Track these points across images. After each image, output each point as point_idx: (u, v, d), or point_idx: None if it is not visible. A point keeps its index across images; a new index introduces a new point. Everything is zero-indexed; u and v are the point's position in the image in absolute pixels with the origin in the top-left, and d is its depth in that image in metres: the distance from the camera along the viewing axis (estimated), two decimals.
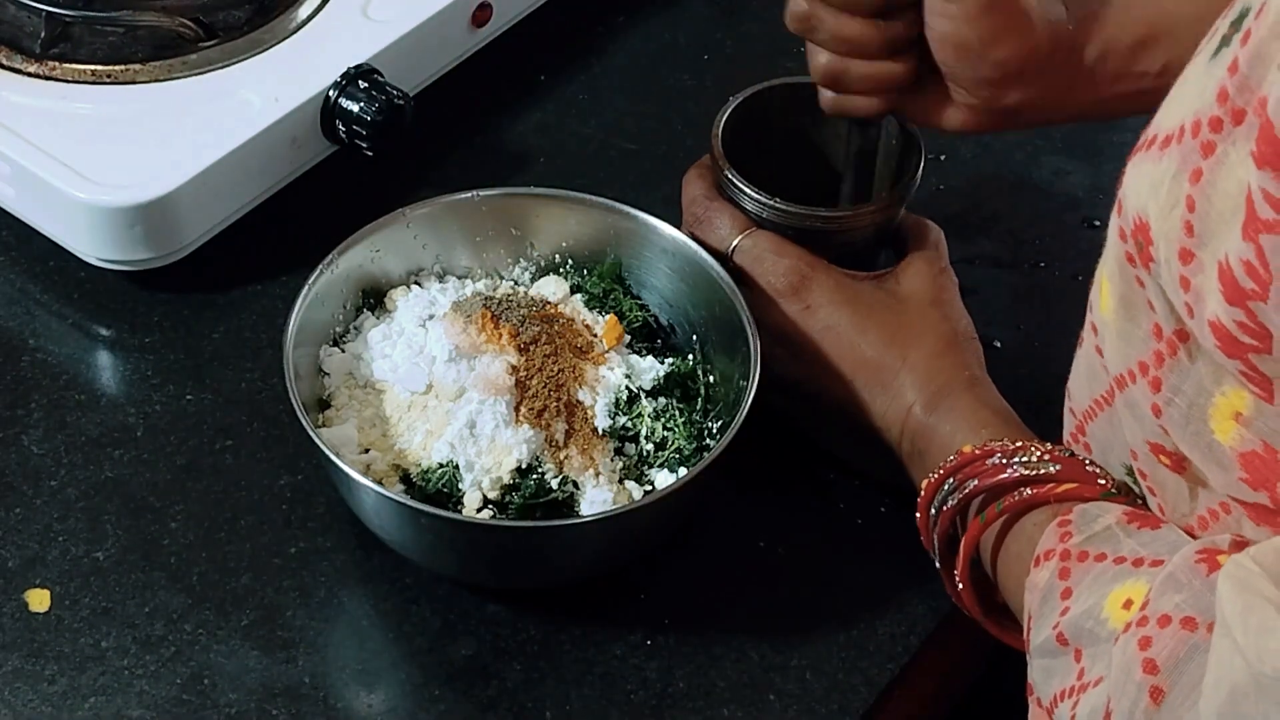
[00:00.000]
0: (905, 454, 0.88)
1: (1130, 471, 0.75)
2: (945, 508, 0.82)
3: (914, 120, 0.93)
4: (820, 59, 0.89)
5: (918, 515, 0.84)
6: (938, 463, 0.84)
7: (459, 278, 0.97)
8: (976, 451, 0.82)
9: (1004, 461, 0.80)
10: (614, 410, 0.90)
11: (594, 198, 0.96)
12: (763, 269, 0.92)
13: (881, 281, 0.93)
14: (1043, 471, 0.79)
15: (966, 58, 0.87)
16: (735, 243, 0.94)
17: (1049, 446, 0.81)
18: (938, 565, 0.85)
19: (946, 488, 0.82)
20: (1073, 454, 0.80)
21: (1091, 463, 0.78)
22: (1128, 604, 0.68)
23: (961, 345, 0.91)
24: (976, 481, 0.81)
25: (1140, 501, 0.75)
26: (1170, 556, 0.69)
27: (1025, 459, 0.80)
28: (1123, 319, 0.69)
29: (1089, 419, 0.77)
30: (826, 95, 0.91)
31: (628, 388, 0.91)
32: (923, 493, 0.84)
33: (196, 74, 1.05)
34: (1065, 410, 0.81)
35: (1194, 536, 0.70)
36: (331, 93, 1.02)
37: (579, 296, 0.96)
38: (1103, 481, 0.77)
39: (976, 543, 0.81)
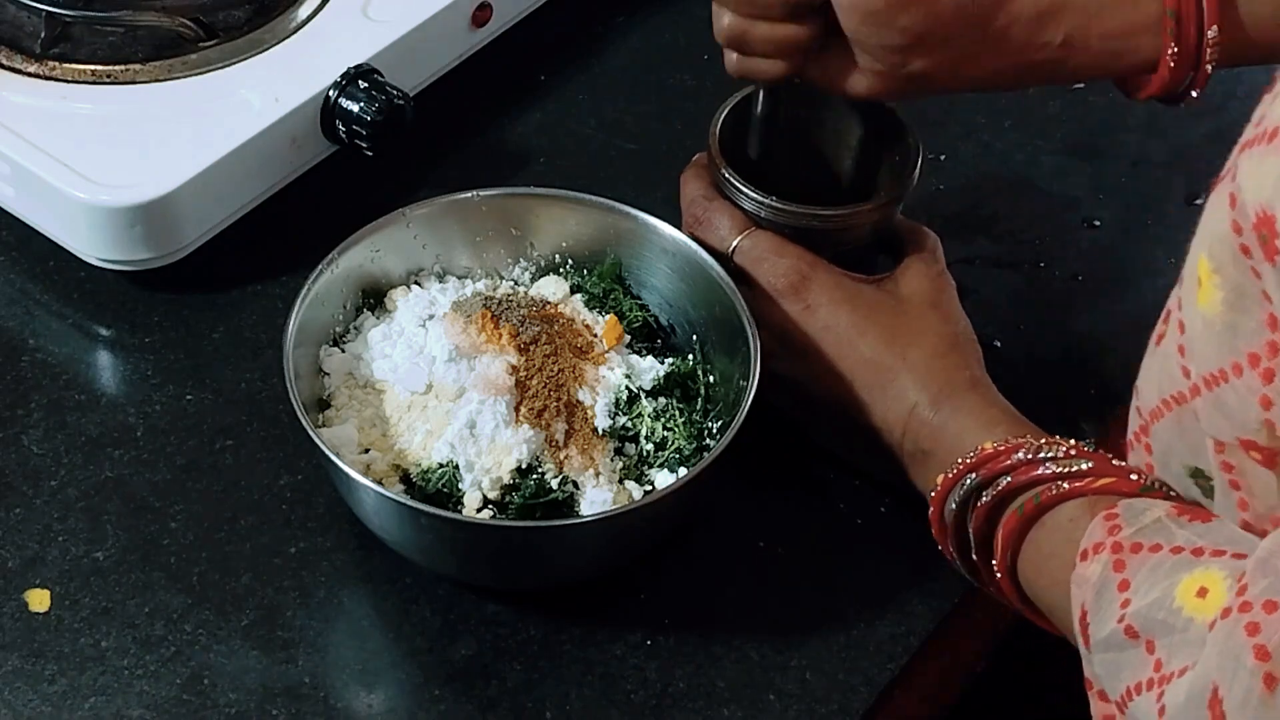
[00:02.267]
0: (907, 454, 0.89)
1: (1194, 473, 0.75)
2: (979, 504, 0.82)
3: (819, 85, 0.92)
4: (724, 20, 0.89)
5: (930, 510, 0.85)
6: (947, 461, 0.84)
7: (459, 278, 0.97)
8: (1000, 448, 0.82)
9: (1031, 458, 0.81)
10: (614, 410, 0.90)
11: (594, 198, 0.96)
12: (763, 269, 0.93)
13: (880, 284, 0.94)
14: (1075, 468, 0.79)
15: (872, 23, 0.86)
16: (735, 243, 0.94)
17: (1073, 442, 0.81)
18: (956, 560, 0.85)
19: (968, 483, 0.82)
20: (1097, 449, 0.80)
21: (1118, 460, 0.79)
22: (1202, 592, 0.68)
23: (962, 347, 0.91)
24: (1010, 478, 0.81)
25: (1175, 496, 0.76)
26: (1229, 547, 0.69)
27: (1053, 454, 0.81)
28: (1234, 311, 0.68)
29: (1155, 419, 0.77)
30: (731, 58, 0.91)
31: (628, 388, 0.91)
32: (937, 489, 0.84)
33: (196, 74, 1.05)
34: (1131, 410, 0.81)
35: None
36: (331, 93, 1.02)
37: (579, 296, 0.96)
38: (1135, 477, 0.77)
39: (1013, 536, 0.81)
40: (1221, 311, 0.69)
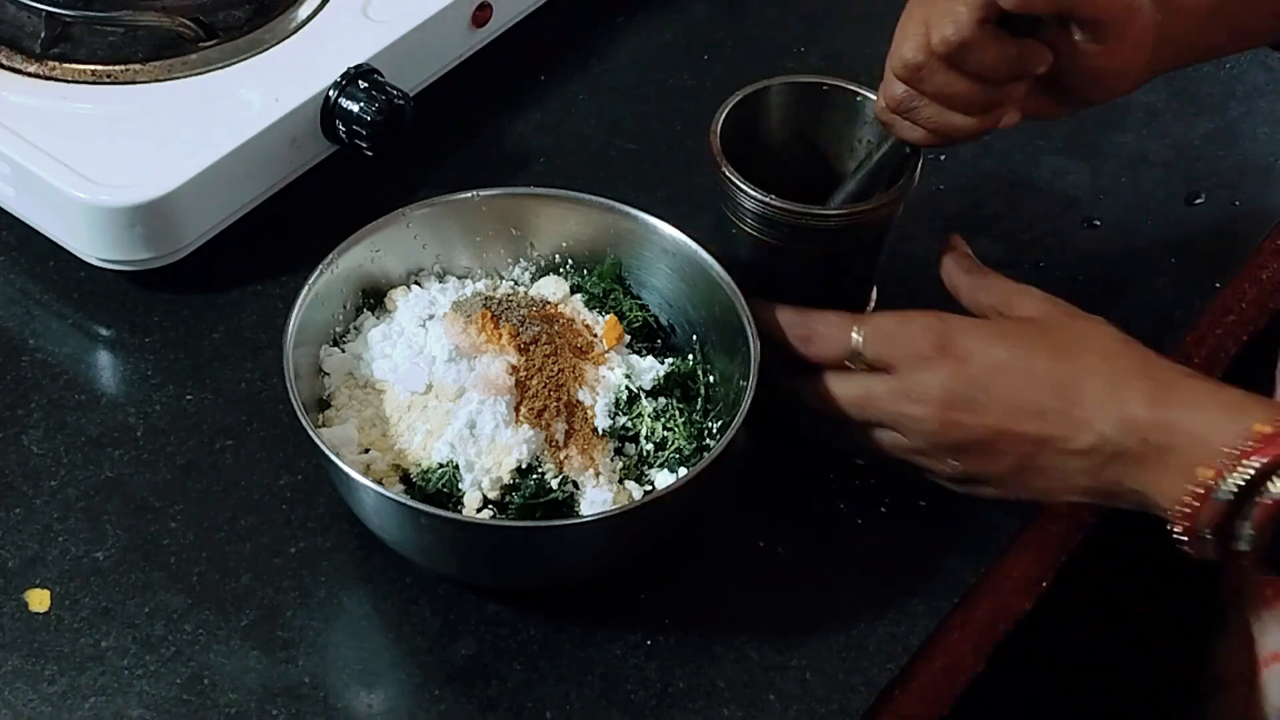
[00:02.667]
0: (1131, 456, 0.84)
1: None
2: (1261, 494, 0.79)
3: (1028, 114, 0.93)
4: (895, 90, 0.88)
5: (1192, 506, 0.80)
6: (1198, 452, 0.80)
7: (459, 278, 0.97)
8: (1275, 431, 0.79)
9: None
10: (614, 410, 0.90)
11: (594, 198, 0.96)
12: (898, 344, 0.88)
13: (1003, 319, 0.91)
14: None
15: (1112, 84, 0.89)
16: (856, 337, 0.89)
17: None
18: (1216, 554, 0.82)
19: (1257, 467, 0.79)
20: None
21: None
22: None
23: (1132, 342, 0.88)
24: None
25: None
26: None
27: None
28: None
29: None
30: (881, 106, 0.90)
31: (628, 388, 0.91)
32: (1207, 484, 0.80)
33: (196, 74, 1.05)
34: None
35: None
36: (331, 93, 1.02)
37: (579, 296, 0.96)
38: None
39: None
40: None
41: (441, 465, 0.87)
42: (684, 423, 0.91)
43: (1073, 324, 0.89)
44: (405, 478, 0.88)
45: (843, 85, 0.99)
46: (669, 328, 0.97)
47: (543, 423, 0.88)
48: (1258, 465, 0.79)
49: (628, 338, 0.94)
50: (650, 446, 0.90)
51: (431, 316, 0.93)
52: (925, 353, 0.87)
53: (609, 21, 1.22)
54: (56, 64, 1.04)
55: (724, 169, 0.95)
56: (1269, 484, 0.79)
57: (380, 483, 0.85)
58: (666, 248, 0.95)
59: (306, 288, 0.90)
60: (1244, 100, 1.19)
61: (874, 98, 0.99)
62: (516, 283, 0.98)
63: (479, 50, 1.14)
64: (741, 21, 1.23)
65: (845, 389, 0.89)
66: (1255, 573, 0.82)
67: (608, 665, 0.87)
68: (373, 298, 0.95)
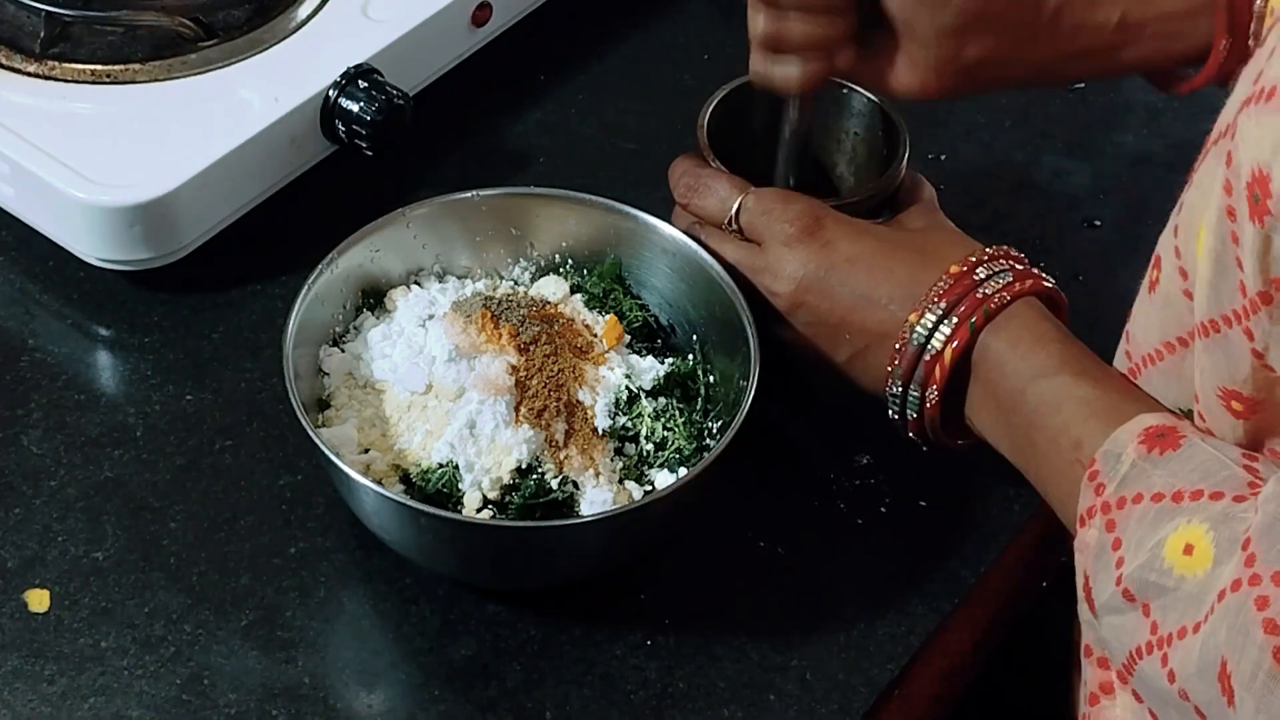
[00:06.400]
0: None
1: (1189, 414, 0.75)
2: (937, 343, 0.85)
3: (867, 85, 0.92)
4: (759, 20, 0.89)
5: (899, 351, 0.86)
6: (990, 376, 0.84)
7: (459, 278, 0.97)
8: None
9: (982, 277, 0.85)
10: (614, 410, 0.90)
11: (594, 198, 0.96)
12: (773, 219, 0.91)
13: (887, 224, 0.93)
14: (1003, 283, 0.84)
15: (926, 5, 0.86)
16: (739, 202, 0.92)
17: (1007, 251, 0.87)
18: (905, 410, 0.87)
19: (943, 308, 0.85)
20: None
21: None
22: (1188, 549, 0.68)
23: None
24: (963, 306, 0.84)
25: None
26: (1205, 484, 0.69)
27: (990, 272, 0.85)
28: (1214, 271, 0.69)
29: (1150, 363, 0.77)
30: (763, 66, 0.91)
31: (628, 388, 0.91)
32: (912, 321, 0.86)
33: (196, 74, 1.05)
34: (1120, 354, 0.80)
35: None
36: (331, 92, 1.02)
37: (579, 296, 0.96)
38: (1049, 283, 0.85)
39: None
40: (1205, 269, 0.69)
41: (441, 465, 0.87)
42: (684, 423, 0.91)
43: (943, 237, 0.91)
44: (405, 478, 0.88)
45: (829, 79, 0.99)
46: (669, 328, 0.97)
47: (543, 423, 0.88)
48: (944, 307, 0.84)
49: (628, 338, 0.94)
50: (650, 446, 0.90)
51: (431, 316, 0.93)
52: (794, 233, 0.90)
53: (609, 21, 1.22)
54: (56, 64, 1.04)
55: (712, 162, 0.95)
56: (936, 332, 0.85)
57: (380, 483, 0.85)
58: (666, 248, 0.95)
59: (306, 288, 0.90)
60: None
61: (861, 92, 0.99)
62: (516, 283, 0.98)
63: (479, 50, 1.14)
64: (741, 21, 1.22)
65: (718, 249, 0.93)
66: (938, 446, 0.88)
67: (608, 665, 0.87)
68: (372, 298, 0.95)
